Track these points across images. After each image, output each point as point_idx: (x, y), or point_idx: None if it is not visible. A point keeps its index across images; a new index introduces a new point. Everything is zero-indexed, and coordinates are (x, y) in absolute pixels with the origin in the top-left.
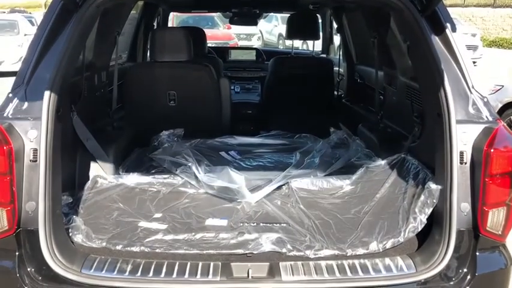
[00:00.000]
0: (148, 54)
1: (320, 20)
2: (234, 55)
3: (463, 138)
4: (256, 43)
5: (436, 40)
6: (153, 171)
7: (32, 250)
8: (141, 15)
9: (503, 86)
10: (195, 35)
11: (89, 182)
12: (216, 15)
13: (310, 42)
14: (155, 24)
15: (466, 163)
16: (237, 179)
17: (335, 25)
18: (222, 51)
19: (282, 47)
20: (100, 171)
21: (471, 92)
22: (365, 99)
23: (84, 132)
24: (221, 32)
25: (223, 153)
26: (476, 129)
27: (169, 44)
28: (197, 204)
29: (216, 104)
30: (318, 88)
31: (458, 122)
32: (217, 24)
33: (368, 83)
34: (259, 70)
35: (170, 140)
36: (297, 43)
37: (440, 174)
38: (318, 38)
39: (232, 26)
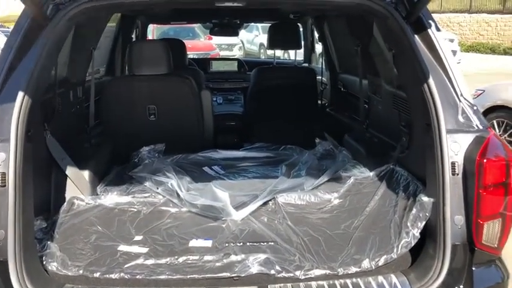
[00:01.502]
0: (126, 68)
1: (301, 29)
2: (216, 66)
3: (454, 148)
4: (237, 53)
5: (422, 47)
6: (133, 190)
7: (2, 282)
8: (118, 27)
9: (484, 90)
10: (175, 46)
11: (65, 204)
12: (197, 26)
13: (292, 52)
14: (134, 36)
15: (458, 174)
16: (221, 196)
17: (316, 34)
18: (203, 62)
19: (263, 57)
20: (77, 192)
21: (460, 100)
22: (349, 108)
23: (59, 151)
24: (202, 42)
25: (206, 169)
26: (467, 139)
27: (147, 57)
28: (180, 224)
29: (197, 117)
30: (301, 98)
31: (448, 131)
32: (198, 35)
33: (352, 92)
34: (241, 81)
35: (151, 156)
36: (279, 52)
37: (431, 186)
38: (299, 48)
39: (213, 36)
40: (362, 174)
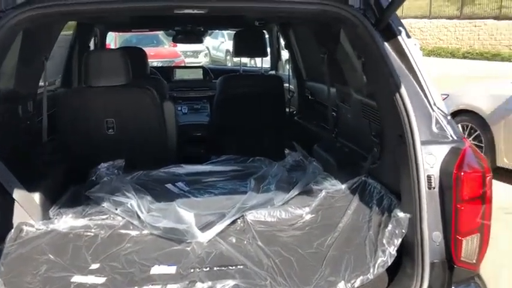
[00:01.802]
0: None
1: (267, 36)
2: (180, 74)
3: (429, 161)
4: (203, 60)
5: (392, 55)
6: (90, 211)
7: None
8: (75, 36)
9: (448, 95)
10: (134, 55)
11: (12, 231)
12: (161, 33)
13: (258, 59)
14: (92, 45)
15: (434, 188)
16: (185, 217)
17: (282, 41)
18: (167, 71)
19: (230, 64)
20: (26, 217)
21: (433, 110)
22: (318, 116)
23: (5, 173)
24: (167, 49)
25: (169, 186)
26: (442, 150)
27: (104, 67)
28: (141, 248)
29: (160, 130)
30: (269, 106)
31: (422, 143)
32: (163, 42)
33: (320, 100)
34: (207, 89)
35: (110, 173)
36: (246, 60)
37: (407, 200)
38: (265, 55)
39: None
40: (334, 187)
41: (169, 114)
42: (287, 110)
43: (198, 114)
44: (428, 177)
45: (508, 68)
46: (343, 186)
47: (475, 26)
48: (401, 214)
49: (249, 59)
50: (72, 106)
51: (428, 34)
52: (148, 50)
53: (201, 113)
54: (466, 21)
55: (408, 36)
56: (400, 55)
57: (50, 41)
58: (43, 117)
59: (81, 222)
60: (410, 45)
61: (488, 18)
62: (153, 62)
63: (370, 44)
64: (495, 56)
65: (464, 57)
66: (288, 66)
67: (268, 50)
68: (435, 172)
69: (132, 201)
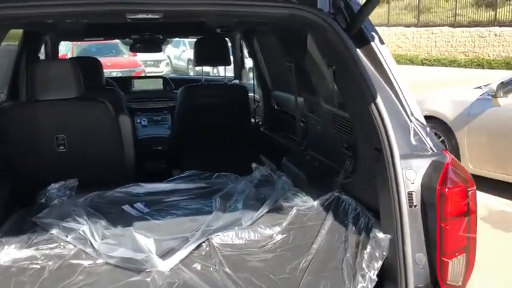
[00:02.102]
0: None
1: (230, 44)
2: (139, 85)
3: (409, 177)
4: (164, 69)
5: (366, 62)
6: (37, 240)
7: None
8: (21, 45)
9: None
10: (88, 66)
11: None
12: (120, 42)
13: (221, 68)
14: (42, 55)
15: (416, 206)
16: (144, 244)
17: (246, 49)
18: (125, 81)
19: (192, 73)
20: None
21: (411, 120)
22: (285, 127)
23: None
24: (126, 59)
25: (126, 208)
26: (423, 165)
27: (53, 79)
28: (94, 281)
29: (115, 146)
30: (233, 118)
31: (401, 157)
32: (122, 51)
33: (287, 110)
34: (167, 100)
35: (61, 194)
36: (208, 69)
37: (387, 219)
38: (228, 64)
39: (138, 53)
40: (305, 203)
41: (126, 127)
42: (252, 120)
43: (159, 126)
44: (409, 194)
45: (466, 73)
46: (315, 203)
47: (432, 34)
48: (380, 235)
49: (211, 68)
50: (18, 121)
51: (387, 41)
52: (107, 60)
53: (161, 125)
54: (423, 28)
55: (382, 43)
56: (374, 62)
57: None
58: None
59: (26, 253)
60: (384, 52)
61: (444, 25)
62: (112, 72)
63: (341, 50)
64: (452, 62)
65: (422, 63)
66: (252, 75)
67: (231, 58)
68: (416, 188)
69: (85, 227)
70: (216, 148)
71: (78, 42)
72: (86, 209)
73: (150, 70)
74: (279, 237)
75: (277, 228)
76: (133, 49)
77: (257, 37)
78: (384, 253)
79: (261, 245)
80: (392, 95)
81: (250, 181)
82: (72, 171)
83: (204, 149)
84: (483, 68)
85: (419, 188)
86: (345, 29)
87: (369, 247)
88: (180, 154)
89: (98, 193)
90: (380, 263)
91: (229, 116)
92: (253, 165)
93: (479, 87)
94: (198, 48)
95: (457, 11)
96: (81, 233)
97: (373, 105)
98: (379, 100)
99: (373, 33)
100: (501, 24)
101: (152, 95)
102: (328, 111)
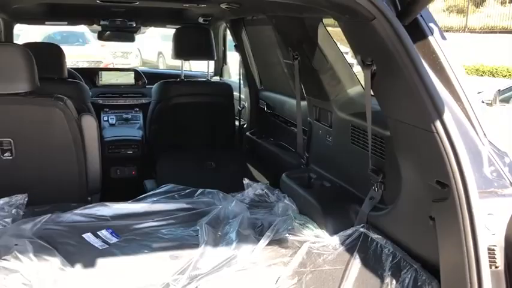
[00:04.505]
0: None
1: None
2: (107, 78)
3: (489, 225)
4: (133, 62)
5: (424, 63)
6: None
7: None
8: None
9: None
10: (46, 53)
11: None
12: (87, 31)
13: (193, 62)
14: None
15: (498, 267)
16: None
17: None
18: (91, 73)
19: (163, 66)
20: None
21: (483, 144)
22: (275, 133)
23: None
24: (94, 49)
25: (88, 237)
26: (505, 207)
27: None
28: None
29: (76, 154)
30: (217, 120)
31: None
32: (89, 40)
33: (280, 114)
34: (139, 96)
35: (5, 214)
36: (177, 62)
37: (454, 282)
38: (212, 58)
39: (106, 43)
40: (318, 239)
41: (90, 131)
42: (236, 123)
43: (129, 126)
44: (491, 251)
45: None
46: (333, 239)
47: None
48: None
49: (182, 62)
50: None
51: None
52: (72, 49)
53: (132, 124)
54: None
55: (443, 38)
56: (433, 64)
57: None
58: None
59: None
60: (447, 51)
61: None
62: (78, 63)
63: (392, 45)
64: None
65: None
66: (238, 73)
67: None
68: (498, 242)
69: (30, 269)
70: (196, 154)
71: (42, 31)
72: (33, 240)
73: (118, 62)
74: (287, 283)
75: (285, 271)
76: (102, 37)
77: (246, 28)
78: None
79: None
80: (460, 110)
81: (241, 201)
82: (20, 184)
83: (182, 154)
84: None
85: (503, 242)
86: (399, 15)
87: None
88: (155, 160)
89: (51, 216)
90: None
91: (212, 117)
92: (245, 181)
93: None
94: (177, 38)
95: None
96: (24, 277)
97: (438, 123)
98: (447, 117)
99: (432, 25)
100: (472, 31)
101: (122, 89)
102: (344, 122)
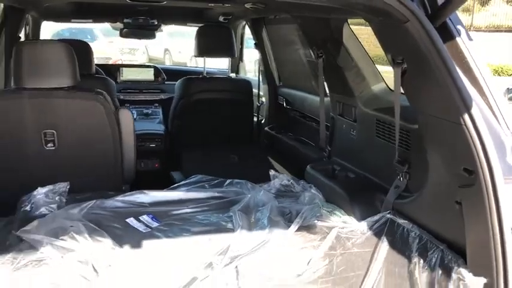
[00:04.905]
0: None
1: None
2: (127, 74)
3: None
4: (140, 58)
5: (452, 61)
6: (23, 262)
7: None
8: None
9: None
10: (79, 50)
11: None
12: (96, 28)
13: (200, 59)
14: (23, 36)
15: None
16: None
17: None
18: (112, 69)
19: (169, 63)
20: None
21: (506, 135)
22: (295, 128)
23: None
24: (102, 46)
25: (131, 221)
26: None
27: (43, 63)
28: None
29: (113, 145)
30: (236, 115)
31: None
32: (97, 36)
33: (301, 110)
34: (158, 92)
35: (49, 200)
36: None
37: (479, 259)
38: (233, 56)
39: (114, 40)
40: (346, 225)
41: (127, 124)
42: (255, 119)
43: (150, 121)
44: None
45: None
46: (361, 225)
47: None
48: (470, 276)
49: (189, 60)
50: None
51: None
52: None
53: (152, 119)
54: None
55: (470, 39)
56: (461, 63)
57: None
58: None
59: (11, 276)
60: (473, 51)
61: None
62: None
63: (424, 45)
64: None
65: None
66: (256, 70)
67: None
68: None
69: (85, 248)
70: (218, 148)
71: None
72: (85, 223)
73: (126, 58)
74: (319, 264)
75: (316, 253)
76: (123, 34)
77: (267, 27)
78: None
79: (298, 274)
80: (485, 105)
81: (268, 190)
82: (63, 173)
83: (204, 147)
84: None
85: None
86: (429, 18)
87: None
88: (178, 153)
89: (96, 202)
90: None
91: (232, 113)
92: (271, 172)
93: None
94: (200, 37)
95: None
96: (81, 255)
97: (466, 116)
98: (474, 111)
99: (460, 27)
100: (477, 29)
101: (142, 85)
102: (370, 116)
